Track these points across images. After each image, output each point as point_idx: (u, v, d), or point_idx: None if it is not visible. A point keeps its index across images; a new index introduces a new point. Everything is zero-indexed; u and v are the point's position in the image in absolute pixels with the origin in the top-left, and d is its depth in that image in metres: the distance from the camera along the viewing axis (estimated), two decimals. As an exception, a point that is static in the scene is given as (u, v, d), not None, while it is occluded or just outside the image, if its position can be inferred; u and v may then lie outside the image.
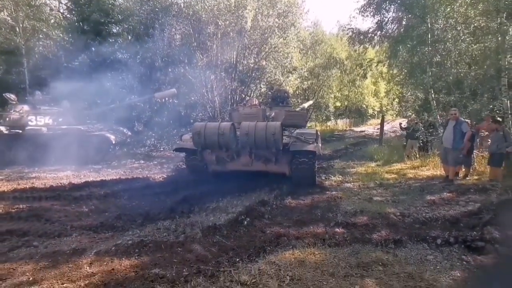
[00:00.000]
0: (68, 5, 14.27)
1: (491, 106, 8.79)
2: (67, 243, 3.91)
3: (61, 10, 14.80)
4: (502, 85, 8.30)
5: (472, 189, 5.85)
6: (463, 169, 7.03)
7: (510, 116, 8.01)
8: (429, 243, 3.58)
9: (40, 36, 14.36)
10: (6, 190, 6.36)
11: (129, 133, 11.75)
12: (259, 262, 3.21)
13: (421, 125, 9.90)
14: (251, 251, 3.44)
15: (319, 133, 7.02)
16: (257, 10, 11.60)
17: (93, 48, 12.64)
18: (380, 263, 3.13)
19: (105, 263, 3.28)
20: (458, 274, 2.92)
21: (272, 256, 3.33)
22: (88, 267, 3.20)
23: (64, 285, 2.86)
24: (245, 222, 4.39)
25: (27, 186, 6.65)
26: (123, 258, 3.39)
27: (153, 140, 13.52)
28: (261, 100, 8.70)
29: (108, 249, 3.62)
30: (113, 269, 3.14)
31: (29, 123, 9.51)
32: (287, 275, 2.91)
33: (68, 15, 14.53)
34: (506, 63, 8.31)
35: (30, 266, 3.27)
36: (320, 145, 6.62)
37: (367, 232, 3.98)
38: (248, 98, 10.23)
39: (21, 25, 13.02)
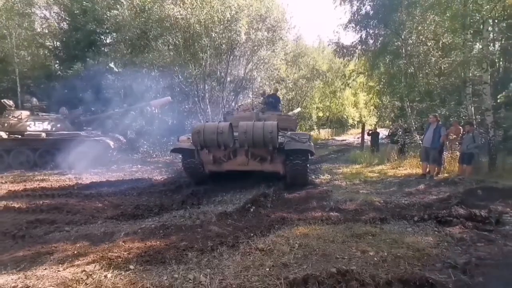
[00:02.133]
0: (61, 14, 14.57)
1: (457, 112, 9.91)
2: (95, 228, 4.37)
3: (52, 20, 15.06)
4: (466, 93, 9.43)
5: (443, 183, 6.75)
6: (436, 168, 7.95)
7: (474, 120, 9.10)
8: (408, 220, 4.33)
9: (33, 44, 14.53)
10: (17, 189, 6.66)
11: (124, 140, 12.11)
12: (270, 236, 3.82)
13: (400, 130, 10.91)
14: (262, 229, 4.05)
15: (311, 135, 7.54)
16: (249, 24, 12.44)
17: (87, 58, 12.99)
18: (370, 234, 3.81)
19: (137, 241, 3.79)
20: (431, 239, 3.65)
21: (280, 231, 3.95)
22: (123, 243, 3.70)
23: (109, 255, 3.35)
24: (251, 210, 5.01)
25: (37, 186, 6.97)
26: (151, 237, 3.91)
27: (145, 147, 13.89)
28: (252, 104, 9.15)
29: (135, 231, 4.13)
30: (146, 244, 3.66)
31: (28, 128, 9.77)
32: (296, 243, 3.54)
33: (62, 24, 14.81)
34: (471, 74, 9.46)
35: (70, 245, 3.72)
36: (312, 145, 6.76)
37: (357, 214, 4.69)
38: (241, 104, 10.63)
39: (14, 34, 13.22)
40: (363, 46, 12.47)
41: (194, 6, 11.25)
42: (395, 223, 4.24)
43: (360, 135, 15.93)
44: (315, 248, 3.38)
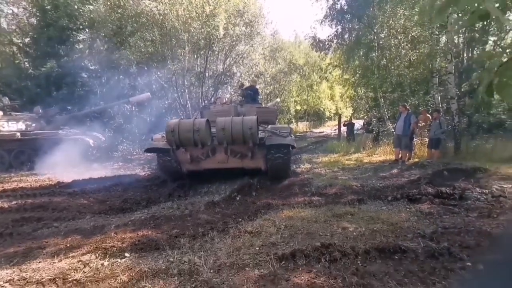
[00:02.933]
0: (31, 10, 13.95)
1: (426, 101, 10.55)
2: (84, 223, 4.44)
3: (21, 15, 14.41)
4: (433, 83, 10.06)
5: (414, 166, 7.24)
6: (407, 154, 8.47)
7: (441, 108, 9.73)
8: (383, 200, 4.70)
9: (2, 41, 13.87)
10: (-5, 190, 6.51)
11: (103, 138, 11.92)
12: (257, 220, 4.05)
13: (374, 120, 11.44)
14: (249, 214, 4.28)
15: (292, 128, 7.54)
16: (227, 19, 12.51)
17: (61, 55, 12.59)
18: (349, 214, 4.13)
19: (128, 231, 3.90)
20: (403, 215, 4.01)
21: (266, 215, 4.19)
22: (116, 235, 3.81)
23: (103, 245, 3.45)
24: (238, 198, 5.23)
25: (16, 187, 6.83)
26: (142, 228, 4.03)
27: (125, 145, 13.72)
28: (230, 98, 8.91)
29: (126, 223, 4.25)
30: (138, 234, 3.78)
31: (1, 128, 9.44)
32: (282, 225, 3.78)
33: (31, 20, 14.20)
34: (437, 65, 10.07)
35: (61, 239, 3.78)
36: (294, 138, 6.67)
37: (337, 197, 5.02)
38: (218, 97, 10.26)
39: (-21, 31, 12.60)
40: (339, 40, 12.92)
41: (172, 1, 11.17)
42: (371, 203, 4.59)
43: (337, 126, 16.47)
44: (300, 228, 3.64)
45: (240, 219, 4.07)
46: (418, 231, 3.36)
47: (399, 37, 11.65)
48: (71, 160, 9.60)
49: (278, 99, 16.80)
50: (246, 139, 5.47)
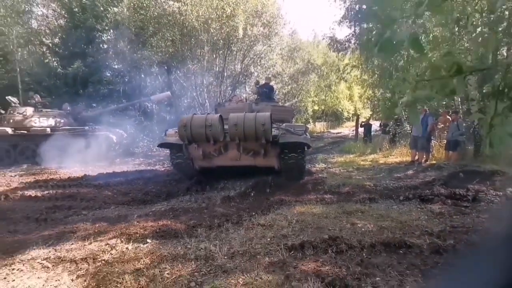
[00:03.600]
0: (60, 12, 14.73)
1: (444, 102, 10.38)
2: (109, 212, 4.78)
3: (51, 17, 15.24)
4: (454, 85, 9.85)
5: (430, 168, 7.21)
6: (424, 155, 8.42)
7: (460, 110, 9.57)
8: (394, 199, 4.78)
9: (32, 42, 14.73)
10: (30, 181, 7.03)
11: (125, 135, 12.45)
12: (270, 214, 4.24)
13: (392, 121, 11.36)
14: (263, 209, 4.48)
15: (308, 127, 7.44)
16: (246, 20, 12.77)
17: (87, 56, 13.26)
18: (360, 211, 4.26)
19: (150, 221, 4.19)
20: (414, 214, 4.10)
21: (279, 210, 4.38)
22: (138, 223, 4.11)
23: (127, 232, 3.75)
24: (252, 194, 5.44)
25: (47, 178, 7.33)
26: (162, 218, 4.32)
27: (145, 142, 14.25)
28: (246, 97, 8.91)
29: (147, 213, 4.55)
30: (158, 223, 4.06)
31: (33, 124, 10.08)
32: (293, 219, 3.96)
33: (61, 22, 14.99)
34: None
35: (89, 225, 4.11)
36: (309, 137, 6.45)
37: (349, 196, 5.13)
38: (234, 95, 10.14)
39: (13, 32, 13.41)
40: (357, 41, 12.88)
41: (194, 2, 11.53)
42: (383, 202, 4.69)
43: (355, 127, 16.42)
44: (310, 222, 3.81)
45: (253, 213, 4.28)
46: (426, 229, 3.45)
47: (420, 38, 11.48)
48: (95, 155, 10.14)
49: (295, 100, 16.86)
50: (259, 136, 5.31)
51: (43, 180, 7.13)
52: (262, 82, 9.66)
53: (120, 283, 2.53)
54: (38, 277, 2.69)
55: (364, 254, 2.81)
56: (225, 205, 4.82)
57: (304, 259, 2.78)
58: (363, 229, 3.50)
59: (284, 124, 6.39)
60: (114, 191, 6.21)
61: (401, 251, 2.87)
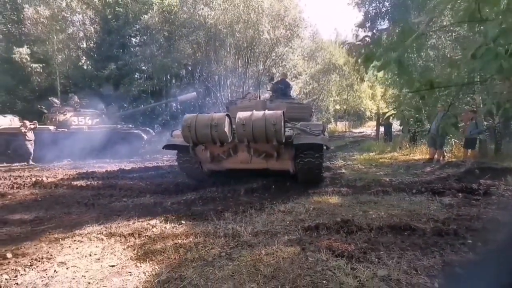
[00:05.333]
0: (94, 18, 15.83)
1: (465, 101, 10.36)
2: (146, 200, 5.37)
3: (87, 24, 16.41)
4: (474, 84, 9.84)
5: (447, 165, 7.36)
6: (442, 153, 8.53)
7: (480, 108, 9.54)
8: (407, 192, 5.07)
9: (70, 47, 15.93)
10: (73, 174, 7.83)
11: (153, 133, 13.25)
12: (290, 203, 4.67)
13: (412, 120, 11.43)
14: (283, 198, 4.92)
15: (326, 126, 6.81)
16: (269, 23, 13.25)
17: (120, 60, 14.22)
18: (373, 202, 4.60)
19: (181, 207, 4.75)
20: (424, 204, 4.39)
21: (298, 200, 4.80)
22: (171, 208, 4.67)
23: (164, 214, 4.30)
24: (273, 186, 5.86)
25: (87, 171, 8.12)
26: (193, 205, 4.85)
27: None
28: (259, 94, 7.97)
29: (179, 202, 5.09)
30: (190, 209, 4.61)
31: (73, 123, 11.03)
32: (310, 207, 4.38)
33: (96, 27, 16.11)
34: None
35: (131, 209, 4.72)
36: (327, 137, 5.89)
37: (364, 189, 5.46)
38: (248, 93, 9.42)
39: (55, 38, 14.59)
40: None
41: (223, 8, 12.11)
42: (396, 195, 5.00)
43: (376, 126, 16.48)
44: (326, 210, 4.22)
45: (274, 202, 4.72)
46: (432, 217, 3.76)
47: (442, 37, 11.48)
48: (127, 151, 10.96)
49: (315, 97, 17.08)
50: (269, 137, 4.78)
51: (84, 172, 7.92)
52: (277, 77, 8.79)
53: (163, 252, 3.05)
54: (96, 246, 3.26)
55: (371, 235, 3.19)
56: (249, 195, 5.29)
57: (319, 238, 3.19)
58: (373, 216, 3.86)
59: (299, 123, 5.94)
60: (147, 182, 6.84)
61: (405, 233, 3.22)
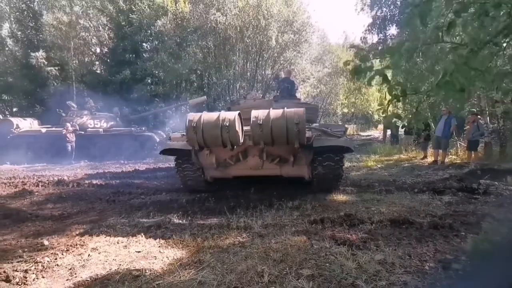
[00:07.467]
0: (109, 25, 16.45)
1: (469, 104, 10.50)
2: (162, 197, 5.73)
3: (101, 30, 17.04)
4: (479, 86, 10.00)
5: (451, 167, 7.57)
6: (445, 155, 8.72)
7: (487, 112, 9.70)
8: (409, 191, 5.33)
9: (86, 52, 16.57)
10: (91, 173, 8.28)
11: (165, 136, 13.68)
12: (297, 200, 4.97)
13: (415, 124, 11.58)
14: (291, 196, 5.22)
15: (347, 127, 6.00)
16: (278, 29, 13.64)
17: (133, 64, 14.76)
18: (375, 200, 4.87)
19: (196, 203, 5.09)
20: (423, 202, 4.65)
21: (305, 197, 5.10)
22: (187, 204, 5.02)
23: (180, 209, 4.65)
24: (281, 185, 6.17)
25: (105, 171, 8.57)
26: (206, 201, 5.19)
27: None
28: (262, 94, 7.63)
29: (193, 199, 5.44)
30: (204, 204, 4.95)
31: (89, 126, 11.53)
32: (316, 204, 4.68)
33: (110, 33, 16.72)
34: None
35: (149, 205, 5.07)
36: (349, 140, 5.43)
37: (368, 188, 5.73)
38: (248, 93, 8.82)
39: (72, 44, 15.24)
40: (384, 46, 13.29)
41: (234, 13, 12.54)
42: (398, 193, 5.26)
43: (383, 129, 16.66)
44: (331, 206, 4.52)
45: (283, 199, 5.03)
46: (430, 213, 4.03)
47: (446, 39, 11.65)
48: (141, 153, 11.40)
49: (319, 97, 17.37)
50: (291, 139, 4.19)
51: (101, 172, 8.36)
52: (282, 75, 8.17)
53: (181, 241, 3.39)
54: (122, 236, 3.62)
55: (372, 227, 3.48)
56: (259, 193, 5.60)
57: (323, 229, 3.50)
58: (375, 212, 4.15)
59: (317, 124, 5.41)
60: (162, 182, 7.24)
61: (404, 226, 3.50)
